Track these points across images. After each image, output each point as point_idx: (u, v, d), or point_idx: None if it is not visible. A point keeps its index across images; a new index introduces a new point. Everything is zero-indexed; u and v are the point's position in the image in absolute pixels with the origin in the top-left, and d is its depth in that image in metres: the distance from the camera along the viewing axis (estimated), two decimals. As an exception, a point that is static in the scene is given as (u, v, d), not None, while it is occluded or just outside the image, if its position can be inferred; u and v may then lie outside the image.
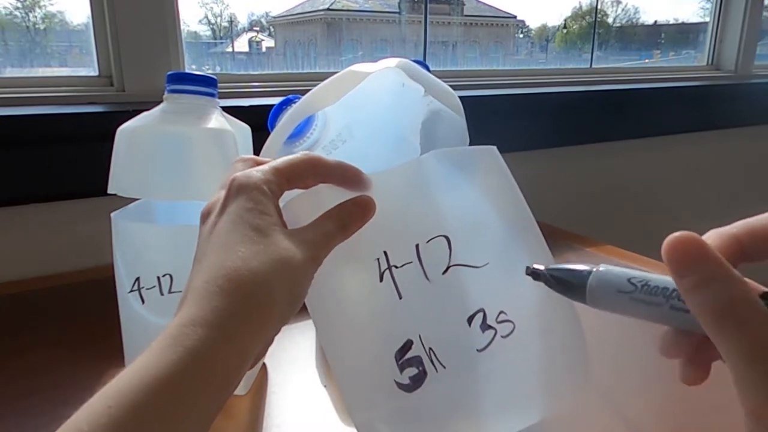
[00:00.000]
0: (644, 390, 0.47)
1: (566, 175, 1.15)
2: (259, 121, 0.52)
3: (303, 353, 0.52)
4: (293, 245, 0.27)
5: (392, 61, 0.36)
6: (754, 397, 0.19)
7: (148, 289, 0.41)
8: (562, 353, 0.35)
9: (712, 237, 0.24)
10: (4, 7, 0.79)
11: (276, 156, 0.32)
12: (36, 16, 0.84)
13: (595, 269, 0.24)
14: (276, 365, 0.51)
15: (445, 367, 0.32)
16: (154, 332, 0.42)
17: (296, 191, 0.32)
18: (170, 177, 0.41)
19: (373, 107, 0.41)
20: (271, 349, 0.51)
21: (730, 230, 0.24)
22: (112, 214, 0.42)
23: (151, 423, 0.22)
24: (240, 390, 0.45)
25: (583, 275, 0.24)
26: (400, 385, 0.32)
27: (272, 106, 0.46)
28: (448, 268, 0.32)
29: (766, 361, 0.19)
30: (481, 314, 0.32)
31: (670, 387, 0.48)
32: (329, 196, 0.31)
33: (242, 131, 0.46)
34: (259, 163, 0.31)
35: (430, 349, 0.32)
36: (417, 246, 0.32)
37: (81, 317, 0.59)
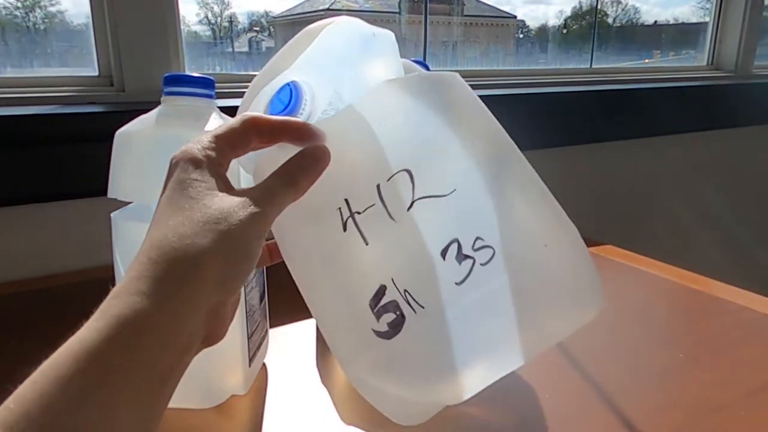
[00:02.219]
0: (644, 390, 0.47)
1: (566, 175, 1.15)
2: (259, 121, 0.51)
3: (303, 353, 0.52)
4: (229, 206, 0.26)
5: (341, 18, 0.35)
6: None
7: (147, 289, 0.41)
8: (558, 276, 0.32)
9: None
10: (5, 7, 0.79)
11: None
12: (36, 16, 0.84)
13: None
14: (276, 365, 0.51)
15: (423, 307, 0.30)
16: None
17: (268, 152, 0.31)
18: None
19: (350, 64, 0.39)
20: (271, 349, 0.51)
21: None
22: (112, 214, 0.43)
23: (79, 392, 0.21)
24: (240, 390, 0.45)
25: None
26: (378, 333, 0.30)
27: (272, 106, 0.46)
28: (412, 203, 0.31)
29: None
30: (455, 245, 0.30)
31: (670, 387, 0.48)
32: (292, 152, 0.30)
33: (242, 131, 0.46)
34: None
35: (405, 291, 0.30)
36: (378, 186, 0.31)
37: (81, 317, 0.59)
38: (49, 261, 0.72)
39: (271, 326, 0.51)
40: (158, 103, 0.43)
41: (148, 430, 0.24)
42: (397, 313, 0.30)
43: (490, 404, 0.44)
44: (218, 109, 0.44)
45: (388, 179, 0.31)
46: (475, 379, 0.32)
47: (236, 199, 0.27)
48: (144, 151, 0.41)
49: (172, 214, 0.26)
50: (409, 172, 0.31)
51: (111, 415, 0.22)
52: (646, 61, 1.53)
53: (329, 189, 0.31)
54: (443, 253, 0.30)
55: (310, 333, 0.56)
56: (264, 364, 0.51)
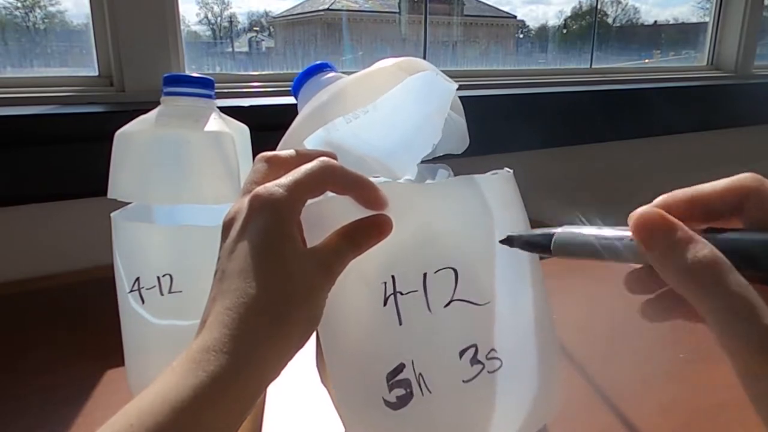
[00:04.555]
0: (645, 390, 0.47)
1: (566, 174, 1.15)
2: (259, 121, 0.52)
3: (303, 353, 0.52)
4: (311, 268, 0.28)
5: (390, 61, 0.36)
6: (744, 349, 0.20)
7: (148, 289, 0.41)
8: (540, 388, 0.36)
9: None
10: (4, 7, 0.79)
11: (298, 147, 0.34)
12: (36, 16, 0.84)
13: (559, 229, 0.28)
14: (276, 365, 0.51)
15: (431, 392, 0.33)
16: (153, 332, 0.41)
17: None
18: (169, 181, 0.41)
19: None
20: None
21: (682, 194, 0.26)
22: (112, 214, 0.43)
23: None
24: (240, 390, 0.45)
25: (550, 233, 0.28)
26: (387, 403, 0.33)
27: (272, 106, 0.46)
28: (451, 301, 0.33)
29: (746, 312, 0.20)
30: (473, 349, 0.34)
31: (670, 387, 0.48)
32: (345, 206, 0.31)
33: (241, 132, 0.46)
34: (278, 163, 0.31)
35: (420, 374, 0.33)
36: (425, 275, 0.33)
37: (81, 317, 0.59)
38: (49, 261, 0.72)
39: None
40: (158, 103, 0.43)
41: None
42: (408, 390, 0.33)
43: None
44: (218, 109, 0.44)
45: (436, 271, 0.33)
46: None
47: (314, 260, 0.28)
48: (144, 151, 0.41)
49: (260, 269, 0.27)
50: (455, 271, 0.33)
51: None
52: (646, 61, 1.53)
53: (381, 260, 0.32)
54: (461, 353, 0.33)
55: (310, 333, 0.56)
56: (264, 364, 0.50)
